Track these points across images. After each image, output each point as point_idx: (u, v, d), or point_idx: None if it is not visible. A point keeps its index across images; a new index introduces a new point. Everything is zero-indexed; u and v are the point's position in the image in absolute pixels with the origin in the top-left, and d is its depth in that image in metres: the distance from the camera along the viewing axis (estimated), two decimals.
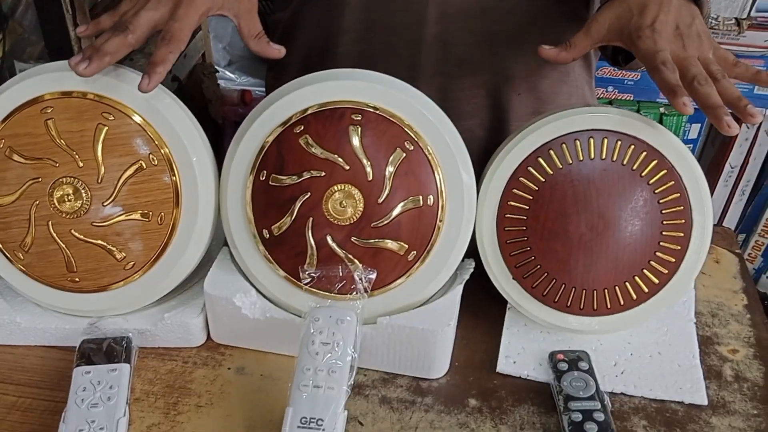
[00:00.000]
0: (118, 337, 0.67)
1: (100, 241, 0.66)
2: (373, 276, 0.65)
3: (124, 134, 0.65)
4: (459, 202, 0.66)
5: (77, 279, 0.67)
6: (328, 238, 0.65)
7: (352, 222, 0.64)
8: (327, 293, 0.66)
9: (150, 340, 0.69)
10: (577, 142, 0.66)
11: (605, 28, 0.66)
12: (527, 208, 0.67)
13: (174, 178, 0.66)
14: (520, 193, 0.67)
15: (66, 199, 0.65)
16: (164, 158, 0.65)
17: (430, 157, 0.65)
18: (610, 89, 1.53)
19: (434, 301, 0.67)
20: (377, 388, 0.67)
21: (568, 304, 0.68)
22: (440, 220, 0.65)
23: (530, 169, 0.66)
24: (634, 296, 0.67)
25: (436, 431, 0.63)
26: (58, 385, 0.66)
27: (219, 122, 1.63)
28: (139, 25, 0.62)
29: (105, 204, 0.65)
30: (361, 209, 0.64)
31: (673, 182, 0.65)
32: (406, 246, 0.65)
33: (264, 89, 1.07)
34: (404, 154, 0.64)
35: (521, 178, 0.67)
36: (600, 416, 0.60)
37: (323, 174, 0.64)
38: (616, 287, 0.67)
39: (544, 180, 0.66)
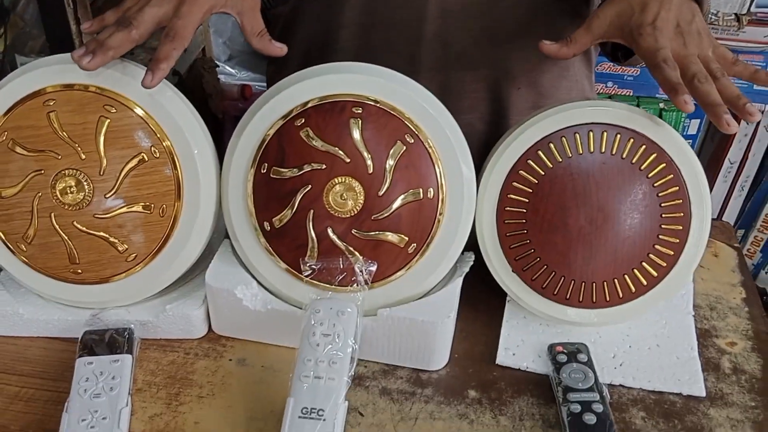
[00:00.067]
0: (121, 328, 0.67)
1: (102, 233, 0.66)
2: (374, 268, 0.65)
3: (126, 127, 0.65)
4: (459, 195, 0.66)
5: (79, 270, 0.67)
6: (329, 231, 0.65)
7: (352, 214, 0.65)
8: (328, 285, 0.66)
9: (152, 331, 0.70)
10: (577, 136, 0.66)
11: (606, 24, 0.66)
12: (527, 201, 0.67)
13: (176, 170, 0.66)
14: (520, 186, 0.67)
15: (68, 191, 0.65)
16: (166, 151, 0.66)
17: (430, 150, 0.65)
18: (610, 85, 1.52)
19: (434, 294, 0.67)
20: (377, 379, 0.67)
21: (568, 296, 0.68)
22: (440, 213, 0.66)
23: (530, 162, 0.67)
24: (633, 289, 0.68)
25: (436, 422, 0.63)
26: (61, 375, 0.66)
27: (219, 117, 1.64)
28: (143, 21, 0.63)
29: (107, 196, 0.66)
30: (361, 202, 0.65)
31: (672, 175, 0.66)
32: (407, 238, 0.66)
33: (264, 84, 1.07)
34: (404, 147, 0.65)
35: (521, 172, 0.67)
36: (599, 407, 0.61)
37: (324, 167, 0.65)
38: (615, 280, 0.68)
39: (543, 173, 0.67)
